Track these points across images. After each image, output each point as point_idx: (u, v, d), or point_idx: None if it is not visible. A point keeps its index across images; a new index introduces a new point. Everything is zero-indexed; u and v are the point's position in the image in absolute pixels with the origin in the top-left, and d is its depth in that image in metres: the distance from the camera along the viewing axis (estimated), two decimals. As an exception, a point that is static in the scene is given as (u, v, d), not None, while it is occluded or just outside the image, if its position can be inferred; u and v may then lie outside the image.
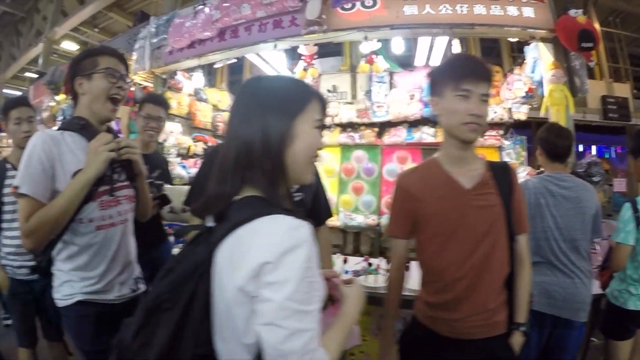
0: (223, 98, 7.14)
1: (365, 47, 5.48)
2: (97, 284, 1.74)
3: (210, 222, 1.16)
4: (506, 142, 5.72)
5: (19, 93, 14.65)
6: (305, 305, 0.92)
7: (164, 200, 2.56)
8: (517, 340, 1.74)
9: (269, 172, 1.07)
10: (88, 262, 1.72)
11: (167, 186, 2.91)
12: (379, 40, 5.24)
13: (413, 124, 6.24)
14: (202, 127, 6.74)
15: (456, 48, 6.47)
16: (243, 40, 5.01)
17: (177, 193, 2.72)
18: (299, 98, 1.13)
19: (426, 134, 6.12)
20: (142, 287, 1.95)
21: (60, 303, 1.75)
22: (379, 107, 6.22)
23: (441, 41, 5.64)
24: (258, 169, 1.07)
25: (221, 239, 1.00)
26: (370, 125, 6.27)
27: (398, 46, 5.51)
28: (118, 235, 1.81)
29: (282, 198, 1.11)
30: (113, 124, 5.40)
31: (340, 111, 6.28)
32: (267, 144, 1.06)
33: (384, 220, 5.40)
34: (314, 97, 1.14)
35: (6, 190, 2.62)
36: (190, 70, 6.06)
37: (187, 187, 3.03)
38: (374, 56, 5.71)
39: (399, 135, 6.18)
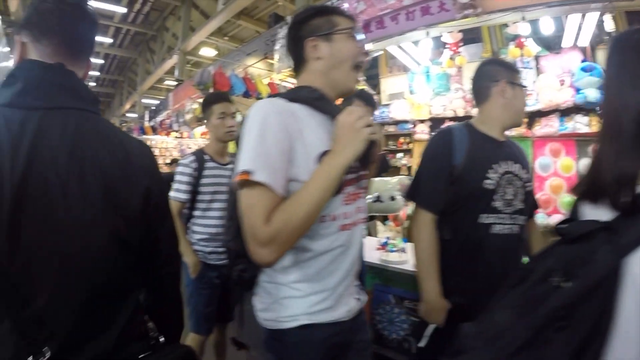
0: None
1: (513, 30, 5.05)
2: (328, 300, 1.29)
3: (590, 213, 0.90)
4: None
5: (156, 102, 16.09)
6: None
7: (383, 164, 2.30)
8: None
9: None
10: (319, 272, 1.29)
11: (375, 179, 2.79)
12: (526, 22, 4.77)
13: (565, 112, 5.62)
14: (345, 121, 6.57)
15: (609, 24, 5.79)
16: (390, 31, 4.83)
17: (383, 184, 2.58)
18: None
19: (580, 124, 5.46)
20: (364, 296, 1.49)
21: (273, 325, 1.30)
22: (527, 94, 5.66)
23: (590, 18, 5.06)
24: None
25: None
26: (523, 116, 5.73)
27: (547, 27, 4.98)
28: (358, 237, 1.40)
29: None
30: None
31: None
32: None
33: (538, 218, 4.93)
34: None
35: (204, 181, 2.65)
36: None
37: (395, 178, 2.94)
38: (523, 39, 5.28)
39: (551, 125, 5.59)
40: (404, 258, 3.25)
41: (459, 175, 1.77)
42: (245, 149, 1.17)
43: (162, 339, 1.18)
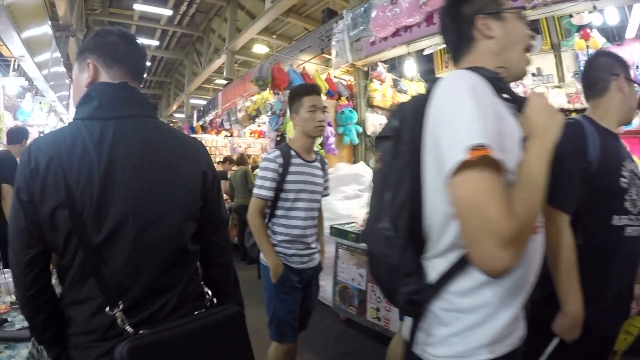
0: (420, 89, 6.76)
1: (579, 20, 4.83)
2: (511, 324, 1.06)
3: None
4: None
5: (203, 102, 16.42)
6: None
7: None
8: None
9: None
10: (513, 287, 1.05)
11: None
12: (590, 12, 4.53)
13: (630, 107, 5.32)
14: (404, 119, 6.42)
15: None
16: None
17: None
18: None
19: (644, 119, 5.19)
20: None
21: None
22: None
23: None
24: None
25: None
26: (583, 111, 5.47)
27: (612, 17, 4.71)
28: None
29: None
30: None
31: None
32: None
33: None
34: None
35: (290, 178, 2.45)
36: (386, 61, 5.93)
37: None
38: (588, 30, 5.05)
39: (616, 121, 5.32)
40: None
41: (595, 172, 1.61)
42: (462, 119, 0.93)
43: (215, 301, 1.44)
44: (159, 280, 1.23)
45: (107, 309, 1.14)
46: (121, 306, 1.14)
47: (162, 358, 1.14)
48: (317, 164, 2.63)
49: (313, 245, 2.60)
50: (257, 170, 7.77)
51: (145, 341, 1.12)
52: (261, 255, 2.55)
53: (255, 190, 2.47)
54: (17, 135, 4.71)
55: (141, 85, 1.43)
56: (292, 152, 2.52)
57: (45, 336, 1.24)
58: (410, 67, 5.51)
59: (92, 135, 1.19)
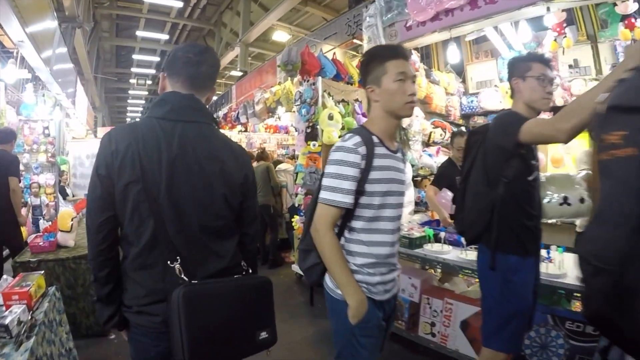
0: (451, 81, 6.35)
1: (623, 10, 4.43)
2: None
3: None
4: None
5: (214, 97, 16.01)
6: None
7: None
8: None
9: None
10: None
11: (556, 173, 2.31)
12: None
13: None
14: (437, 112, 6.01)
15: None
16: (501, 6, 4.15)
17: (568, 181, 2.08)
18: None
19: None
20: None
21: None
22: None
23: None
24: None
25: None
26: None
27: None
28: None
29: None
30: (357, 107, 5.04)
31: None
32: None
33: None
34: None
35: (375, 175, 1.74)
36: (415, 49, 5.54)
37: (579, 173, 2.41)
38: (633, 19, 4.64)
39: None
40: (563, 270, 2.66)
41: None
42: None
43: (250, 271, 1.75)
44: (212, 247, 1.58)
45: (169, 262, 1.47)
46: (179, 260, 1.48)
47: (208, 304, 1.46)
48: (399, 154, 1.92)
49: (398, 266, 1.94)
50: (290, 167, 7.36)
51: (197, 289, 1.45)
52: (327, 282, 1.88)
53: (327, 195, 1.74)
54: (6, 136, 5.07)
55: (208, 90, 1.69)
56: (375, 139, 1.79)
57: (104, 290, 1.54)
58: (453, 54, 5.05)
59: (164, 131, 1.51)
